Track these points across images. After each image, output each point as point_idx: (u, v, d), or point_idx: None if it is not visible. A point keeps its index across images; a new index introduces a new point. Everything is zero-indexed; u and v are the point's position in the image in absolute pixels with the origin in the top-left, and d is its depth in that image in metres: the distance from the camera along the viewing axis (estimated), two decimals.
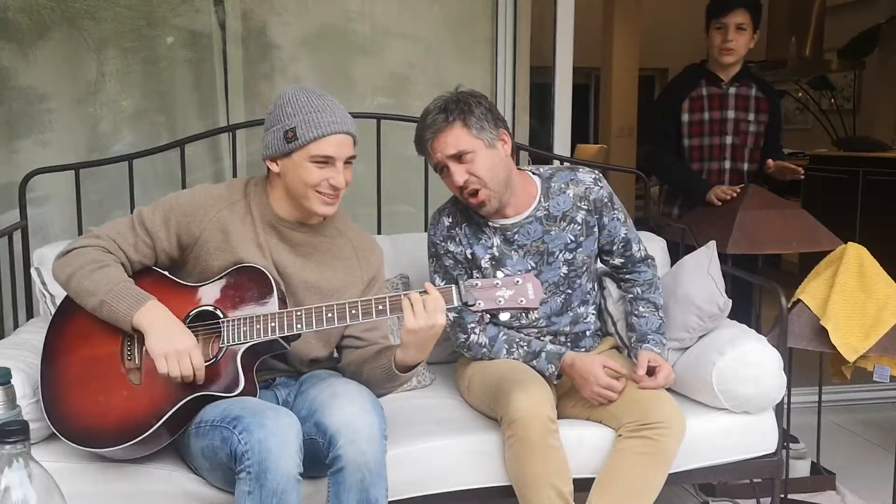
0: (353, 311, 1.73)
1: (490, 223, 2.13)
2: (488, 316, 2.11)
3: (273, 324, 1.74)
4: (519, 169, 2.18)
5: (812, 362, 2.72)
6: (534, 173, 2.18)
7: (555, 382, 2.10)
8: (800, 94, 6.94)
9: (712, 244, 2.35)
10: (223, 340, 1.76)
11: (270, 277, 1.81)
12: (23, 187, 2.52)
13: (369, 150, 2.69)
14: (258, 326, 1.74)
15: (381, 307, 1.72)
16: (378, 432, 1.70)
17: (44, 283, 2.23)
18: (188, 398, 1.71)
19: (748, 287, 2.77)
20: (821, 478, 2.75)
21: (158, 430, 1.70)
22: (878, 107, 6.43)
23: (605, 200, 2.17)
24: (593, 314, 2.24)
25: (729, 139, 3.01)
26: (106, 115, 2.92)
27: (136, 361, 1.76)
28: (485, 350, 2.14)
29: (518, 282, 1.70)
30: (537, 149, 3.21)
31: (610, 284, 2.32)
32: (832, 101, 6.76)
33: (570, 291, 2.17)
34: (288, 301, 1.84)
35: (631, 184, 5.82)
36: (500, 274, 1.73)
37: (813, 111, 6.67)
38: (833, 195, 5.26)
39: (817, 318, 2.40)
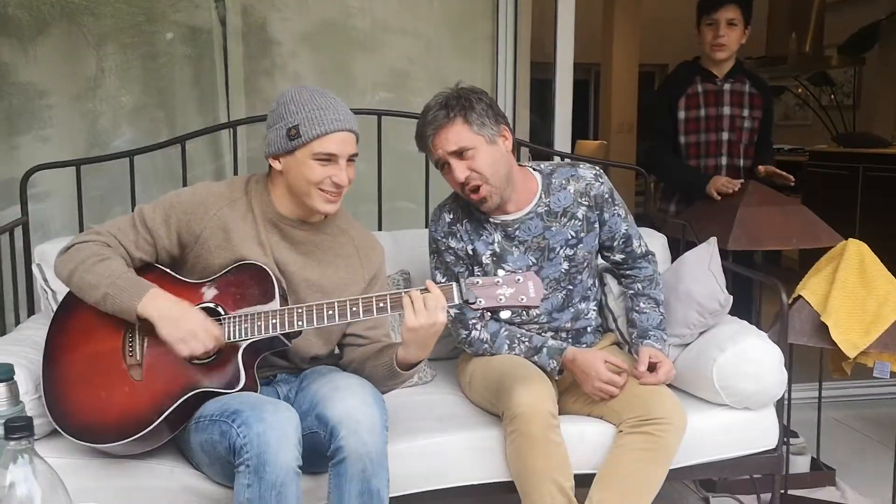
0: (354, 309, 1.73)
1: (491, 219, 2.13)
2: (489, 312, 2.11)
3: (274, 321, 1.74)
4: (520, 165, 2.18)
5: (812, 358, 2.73)
6: (535, 169, 2.19)
7: (556, 378, 2.10)
8: (800, 91, 6.94)
9: (713, 240, 2.35)
10: (224, 337, 1.76)
11: (272, 275, 1.81)
12: (24, 183, 2.51)
13: (370, 146, 2.69)
14: (259, 323, 1.75)
15: (381, 305, 1.72)
16: (379, 423, 1.70)
17: (45, 280, 2.24)
18: (189, 394, 1.71)
19: (748, 283, 2.77)
20: (821, 473, 2.76)
21: (159, 426, 1.70)
22: (878, 103, 6.43)
23: (606, 196, 2.17)
24: (594, 310, 2.25)
25: (725, 135, 3.02)
26: (105, 112, 2.92)
27: (138, 357, 1.77)
28: (486, 346, 2.15)
29: (519, 280, 1.70)
30: (537, 145, 3.21)
31: (611, 280, 2.32)
32: (832, 97, 6.76)
33: (570, 287, 2.17)
34: (289, 299, 1.84)
35: (631, 180, 5.83)
36: (501, 271, 1.73)
37: (813, 107, 6.67)
38: (833, 191, 5.27)
39: (818, 314, 2.41)
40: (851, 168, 5.15)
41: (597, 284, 2.28)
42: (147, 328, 1.76)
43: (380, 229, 2.75)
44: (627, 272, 2.27)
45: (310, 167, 1.79)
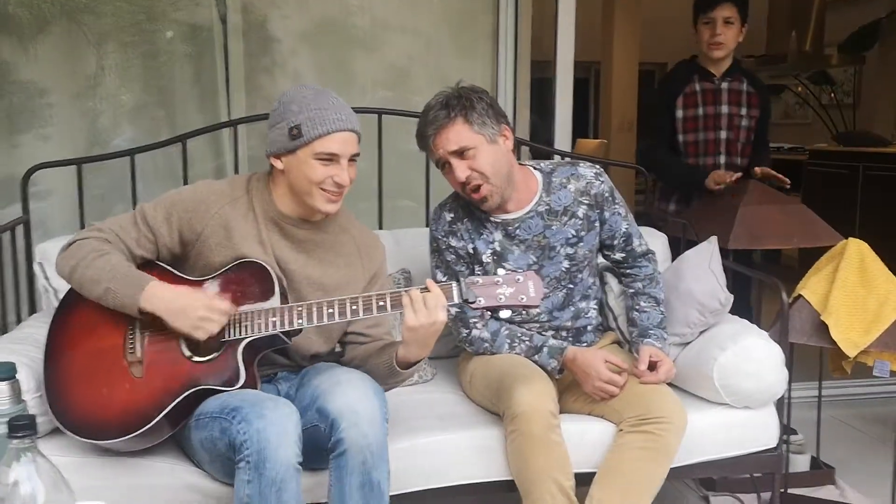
0: (354, 308, 1.73)
1: (491, 218, 2.13)
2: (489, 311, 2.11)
3: (274, 318, 1.75)
4: (520, 164, 2.18)
5: (812, 357, 2.73)
6: (535, 168, 2.19)
7: (557, 377, 2.10)
8: (800, 89, 6.94)
9: (713, 239, 2.35)
10: (224, 334, 1.76)
11: (272, 272, 1.81)
12: (24, 182, 2.51)
13: (370, 144, 2.69)
14: (259, 321, 1.75)
15: (381, 303, 1.73)
16: (380, 415, 1.71)
17: (46, 278, 2.24)
18: (189, 391, 1.72)
19: (748, 282, 2.77)
20: (820, 472, 2.76)
21: (160, 423, 1.70)
22: (878, 102, 6.42)
23: (606, 195, 2.17)
24: (595, 309, 2.25)
25: (723, 134, 3.02)
26: (106, 110, 2.92)
27: (138, 354, 1.77)
28: (487, 345, 2.15)
29: (519, 279, 1.70)
30: (538, 143, 3.21)
31: (611, 279, 2.32)
32: (832, 95, 6.76)
33: (571, 286, 2.17)
34: (290, 297, 1.84)
35: (631, 179, 5.83)
36: (501, 271, 1.73)
37: (813, 106, 6.67)
38: (833, 190, 5.27)
39: (818, 313, 2.41)
40: (851, 167, 5.16)
41: (597, 283, 2.28)
42: (148, 323, 1.77)
43: (380, 228, 2.75)
44: (628, 271, 2.27)
45: (311, 167, 1.79)
